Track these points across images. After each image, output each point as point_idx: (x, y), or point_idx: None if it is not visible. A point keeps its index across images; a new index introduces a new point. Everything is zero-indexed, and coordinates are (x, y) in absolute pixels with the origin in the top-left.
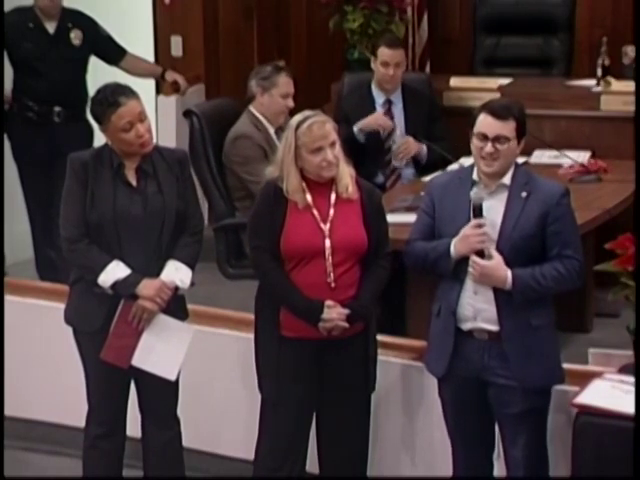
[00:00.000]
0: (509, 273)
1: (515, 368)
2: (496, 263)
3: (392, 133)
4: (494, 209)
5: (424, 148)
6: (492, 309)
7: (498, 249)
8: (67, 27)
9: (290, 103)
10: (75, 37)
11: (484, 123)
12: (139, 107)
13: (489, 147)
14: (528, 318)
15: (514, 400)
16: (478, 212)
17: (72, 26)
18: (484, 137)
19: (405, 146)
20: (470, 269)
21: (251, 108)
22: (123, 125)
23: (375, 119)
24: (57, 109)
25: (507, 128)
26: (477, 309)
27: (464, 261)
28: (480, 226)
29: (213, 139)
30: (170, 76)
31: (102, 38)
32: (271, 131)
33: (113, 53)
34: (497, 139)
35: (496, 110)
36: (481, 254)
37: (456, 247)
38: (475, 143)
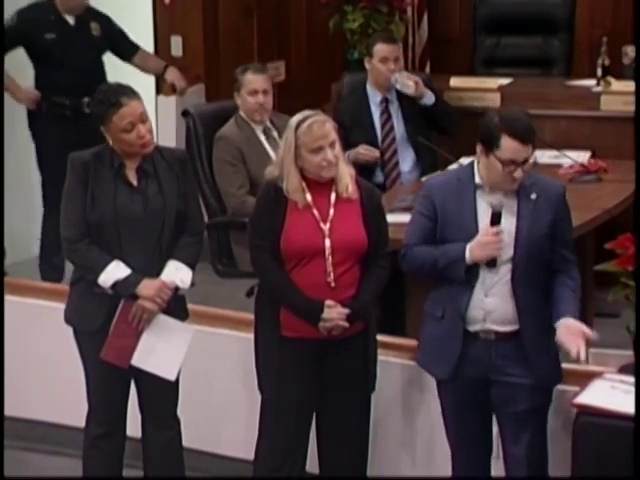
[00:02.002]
0: (580, 324)
1: (533, 367)
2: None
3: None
4: (505, 213)
5: (429, 92)
6: (502, 310)
7: (515, 253)
8: (86, 19)
9: (259, 99)
10: (94, 29)
11: (512, 149)
12: (141, 108)
13: (519, 172)
14: (547, 319)
15: (520, 398)
16: (497, 219)
17: (90, 18)
18: (513, 162)
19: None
20: (573, 351)
21: (240, 110)
22: (124, 125)
23: (356, 153)
24: (86, 100)
25: (531, 149)
26: (487, 311)
27: (474, 266)
28: (498, 233)
29: (208, 140)
30: (170, 76)
31: (117, 32)
32: (257, 131)
33: (127, 48)
34: (525, 162)
35: (522, 135)
36: (493, 262)
37: (472, 253)
38: (501, 167)
